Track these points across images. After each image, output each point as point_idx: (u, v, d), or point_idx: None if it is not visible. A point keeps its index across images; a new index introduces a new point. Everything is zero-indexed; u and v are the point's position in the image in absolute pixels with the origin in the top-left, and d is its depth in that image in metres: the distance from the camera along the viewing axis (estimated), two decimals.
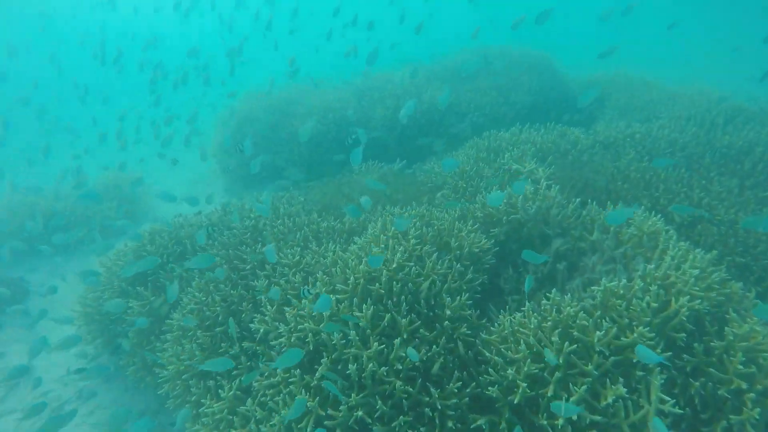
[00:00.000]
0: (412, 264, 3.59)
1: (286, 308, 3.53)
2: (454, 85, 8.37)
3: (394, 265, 3.49)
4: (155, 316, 4.26)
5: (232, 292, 3.86)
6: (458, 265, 3.68)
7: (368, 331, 3.21)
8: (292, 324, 3.40)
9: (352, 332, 3.16)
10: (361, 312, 3.22)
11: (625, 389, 2.61)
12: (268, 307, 3.62)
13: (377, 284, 3.42)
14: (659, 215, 3.83)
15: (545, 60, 9.09)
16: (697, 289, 2.99)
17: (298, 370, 3.17)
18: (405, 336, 3.20)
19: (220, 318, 3.76)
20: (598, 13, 7.86)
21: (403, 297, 3.38)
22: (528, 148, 5.36)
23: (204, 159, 7.83)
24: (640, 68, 9.89)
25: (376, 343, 3.09)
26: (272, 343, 3.49)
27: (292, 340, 3.36)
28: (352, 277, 3.44)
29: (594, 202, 4.26)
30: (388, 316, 3.27)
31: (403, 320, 3.22)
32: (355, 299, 3.39)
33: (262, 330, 3.56)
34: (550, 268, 3.91)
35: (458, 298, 3.39)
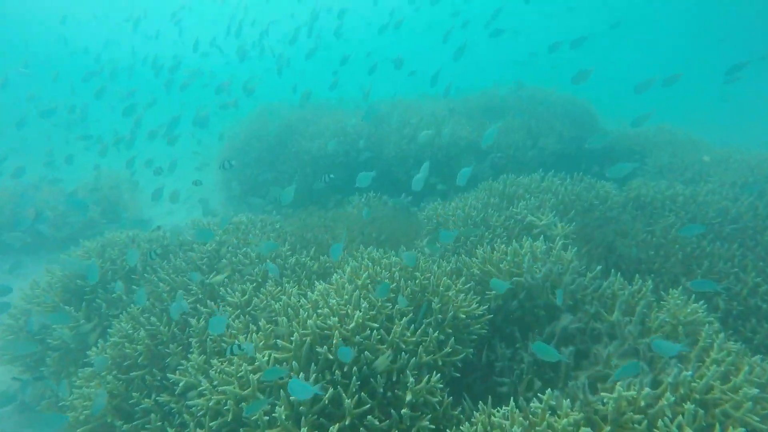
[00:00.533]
0: (376, 326, 2.86)
1: (214, 360, 2.84)
2: (479, 121, 7.73)
3: (352, 325, 2.77)
4: (83, 343, 3.65)
5: (162, 328, 3.21)
6: (437, 334, 2.93)
7: (302, 407, 2.48)
8: (216, 382, 2.71)
9: (280, 408, 2.43)
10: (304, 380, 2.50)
11: None
12: (195, 354, 2.94)
13: (326, 347, 2.70)
14: (702, 302, 2.99)
15: (584, 107, 8.39)
16: (757, 419, 2.15)
17: None
18: (348, 422, 2.45)
19: (140, 359, 3.10)
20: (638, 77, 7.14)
21: (356, 368, 2.64)
22: (548, 198, 4.60)
23: (200, 170, 7.39)
24: (685, 127, 9.04)
25: (305, 429, 2.35)
26: (190, 402, 2.79)
27: (211, 404, 2.66)
28: (297, 333, 2.74)
29: (619, 273, 3.45)
30: (331, 391, 2.54)
31: (350, 400, 2.48)
32: (295, 362, 2.67)
33: (182, 383, 2.87)
34: None
35: (427, 378, 2.63)
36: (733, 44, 35.32)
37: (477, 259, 3.70)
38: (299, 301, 3.08)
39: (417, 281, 3.26)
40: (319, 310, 2.94)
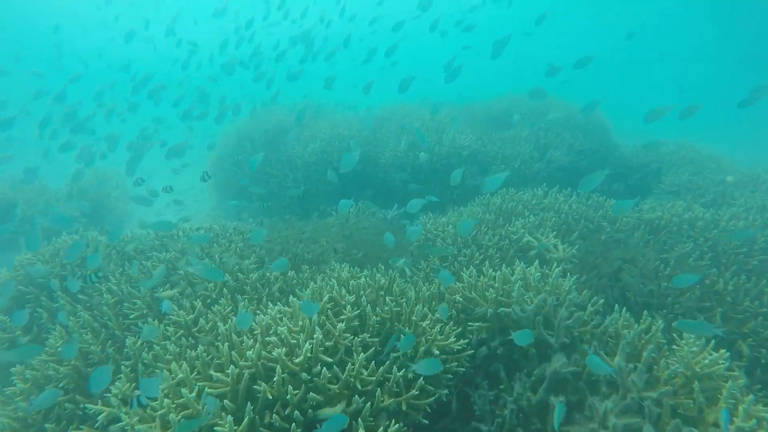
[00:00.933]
0: (330, 360, 2.43)
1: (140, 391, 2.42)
2: (483, 131, 7.29)
3: (300, 358, 2.34)
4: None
5: (93, 348, 2.81)
6: (402, 373, 2.48)
7: None
8: (137, 418, 2.30)
9: None
10: (233, 425, 2.07)
11: None
12: (122, 381, 2.54)
13: (267, 384, 2.27)
14: (725, 350, 2.50)
15: (597, 119, 7.88)
16: None
17: None
18: None
19: (62, 383, 2.71)
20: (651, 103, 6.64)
21: (298, 412, 2.21)
22: (549, 216, 4.13)
23: (178, 172, 7.04)
24: (706, 143, 8.46)
25: None
26: None
27: None
28: (233, 366, 2.32)
29: (624, 308, 2.97)
30: None
31: None
32: (227, 401, 2.25)
33: (102, 416, 2.47)
34: (540, 399, 2.63)
35: (384, 427, 2.19)
36: (754, 63, 34.37)
37: (461, 284, 3.25)
38: (250, 325, 2.66)
39: (387, 308, 2.82)
40: (267, 338, 2.52)
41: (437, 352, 2.66)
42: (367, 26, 10.36)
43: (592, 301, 3.10)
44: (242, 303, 2.98)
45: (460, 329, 2.96)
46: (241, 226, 4.34)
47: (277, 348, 2.42)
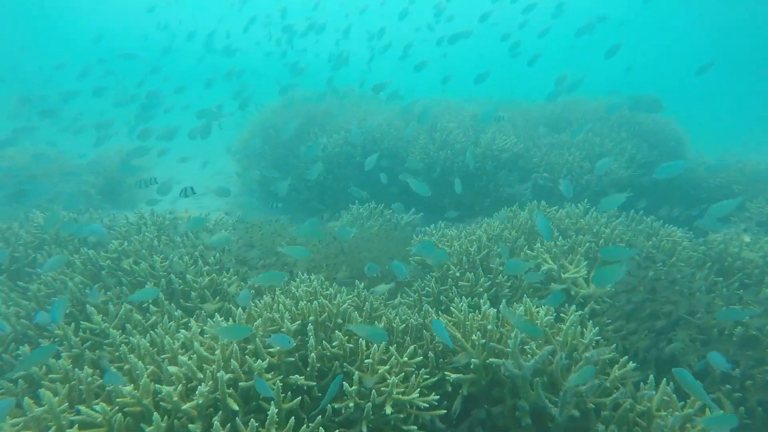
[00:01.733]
0: (236, 409, 1.84)
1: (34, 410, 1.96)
2: (529, 133, 6.40)
3: (187, 405, 1.77)
4: None
5: None
6: None
7: None
8: None
9: None
10: None
11: None
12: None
13: (151, 426, 1.73)
14: None
15: (670, 130, 6.73)
16: None
17: None
18: None
19: None
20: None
21: None
22: (583, 240, 3.30)
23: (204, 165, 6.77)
24: None
25: None
26: None
27: None
28: (102, 404, 1.79)
29: (666, 379, 2.15)
30: None
31: None
32: None
33: None
34: None
35: None
36: None
37: (450, 318, 2.54)
38: (162, 346, 2.13)
39: (338, 342, 2.19)
40: (170, 367, 1.98)
41: (389, 411, 1.99)
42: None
43: (620, 362, 2.29)
44: (174, 314, 2.46)
45: (436, 378, 2.28)
46: (221, 221, 3.86)
47: (173, 384, 1.87)
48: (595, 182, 5.72)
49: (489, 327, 2.34)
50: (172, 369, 1.91)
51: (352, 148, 6.41)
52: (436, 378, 2.29)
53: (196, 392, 1.83)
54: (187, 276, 2.81)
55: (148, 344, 2.08)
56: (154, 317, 2.44)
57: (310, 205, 6.70)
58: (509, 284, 3.06)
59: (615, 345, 2.48)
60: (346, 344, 2.20)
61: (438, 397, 2.16)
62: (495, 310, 2.42)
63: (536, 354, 2.22)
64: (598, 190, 5.70)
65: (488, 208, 5.60)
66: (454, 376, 2.25)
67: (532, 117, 7.01)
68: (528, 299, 2.53)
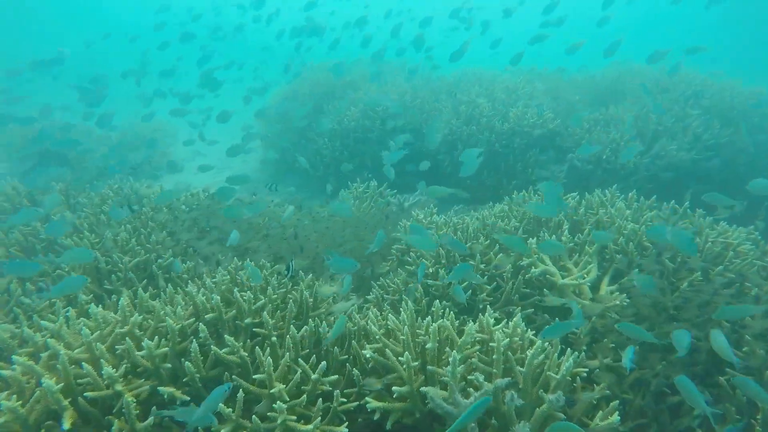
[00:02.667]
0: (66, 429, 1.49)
1: None
2: (569, 107, 5.54)
3: (3, 419, 1.44)
4: None
5: None
6: None
7: None
8: None
9: None
10: None
11: None
12: None
13: None
14: None
15: (754, 102, 5.54)
16: None
17: None
18: None
19: None
20: None
21: None
22: (604, 238, 2.61)
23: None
24: None
25: None
26: None
27: None
28: None
29: None
30: None
31: None
32: None
33: None
34: None
35: None
36: None
37: (379, 327, 2.03)
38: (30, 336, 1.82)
39: (230, 348, 1.77)
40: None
41: None
42: None
43: (607, 408, 1.69)
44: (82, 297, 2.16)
45: (358, 404, 1.80)
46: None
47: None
48: (646, 165, 4.81)
49: (429, 345, 1.81)
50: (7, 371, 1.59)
51: (370, 122, 5.90)
52: (358, 403, 1.81)
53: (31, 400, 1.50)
54: (115, 255, 2.51)
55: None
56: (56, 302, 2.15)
57: (325, 181, 6.32)
58: (491, 287, 2.47)
59: (604, 384, 1.85)
60: (228, 354, 1.77)
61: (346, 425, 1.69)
62: (439, 321, 1.87)
63: (482, 388, 1.67)
64: (648, 174, 4.79)
65: (513, 191, 4.90)
66: (375, 403, 1.75)
67: (579, 89, 6.08)
68: (491, 311, 1.96)
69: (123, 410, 1.50)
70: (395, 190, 4.55)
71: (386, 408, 1.76)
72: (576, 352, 1.84)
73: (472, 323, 1.87)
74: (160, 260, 2.57)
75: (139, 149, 6.78)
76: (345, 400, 1.80)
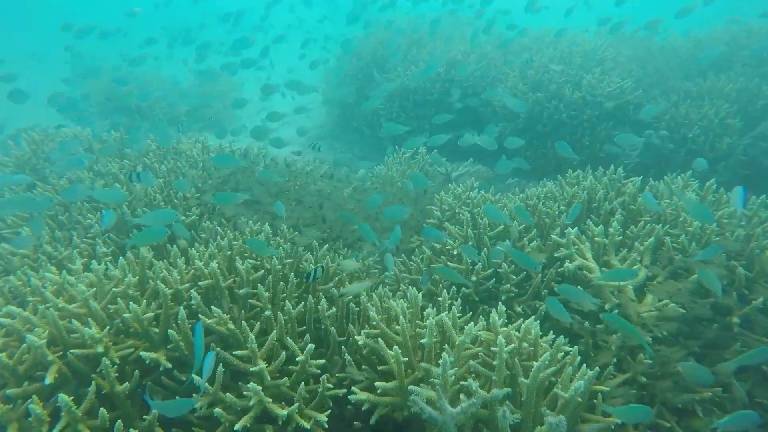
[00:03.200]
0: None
1: None
2: (662, 76, 4.82)
3: None
4: None
5: None
6: None
7: None
8: None
9: None
10: None
11: None
12: None
13: None
14: None
15: None
16: None
17: None
18: None
19: None
20: None
21: None
22: (651, 230, 2.25)
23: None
24: None
25: None
26: None
27: None
28: None
29: None
30: None
31: None
32: None
33: None
34: None
35: None
36: None
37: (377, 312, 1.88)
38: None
39: (215, 319, 1.72)
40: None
41: (242, 425, 1.50)
42: None
43: None
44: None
45: (344, 392, 1.70)
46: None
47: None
48: (745, 147, 4.11)
49: (425, 341, 1.64)
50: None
51: (431, 85, 5.58)
52: (348, 391, 1.71)
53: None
54: (139, 209, 2.56)
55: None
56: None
57: (383, 145, 6.15)
58: (518, 278, 2.22)
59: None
60: (229, 324, 1.72)
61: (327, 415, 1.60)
62: (443, 314, 1.69)
63: (476, 395, 1.49)
64: (746, 159, 4.10)
65: (577, 168, 4.43)
66: (360, 395, 1.64)
67: (674, 55, 5.26)
68: (503, 307, 1.74)
69: (102, 371, 1.51)
70: (445, 158, 4.27)
71: (372, 401, 1.65)
72: (598, 368, 1.59)
73: (473, 324, 1.66)
74: (183, 218, 2.59)
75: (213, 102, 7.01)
76: (331, 386, 1.70)
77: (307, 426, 1.57)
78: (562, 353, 1.65)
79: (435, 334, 1.66)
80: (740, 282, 2.08)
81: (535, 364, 1.52)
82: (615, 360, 1.87)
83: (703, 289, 2.01)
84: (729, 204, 2.44)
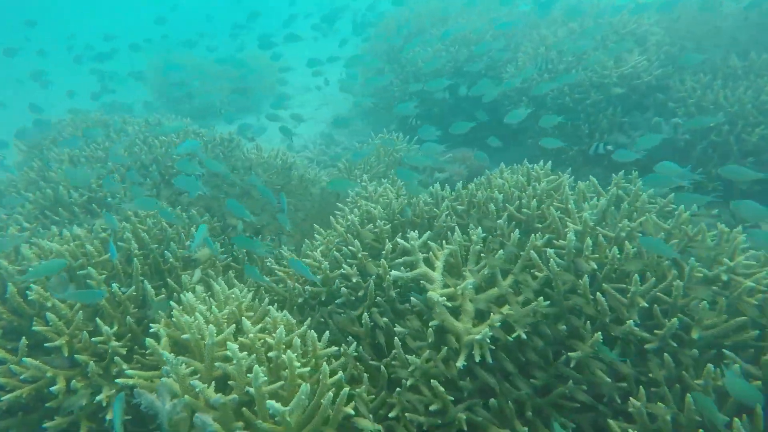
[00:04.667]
0: None
1: None
2: (698, 52, 3.99)
3: None
4: None
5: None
6: None
7: None
8: None
9: None
10: None
11: None
12: None
13: None
14: None
15: None
16: None
17: None
18: None
19: None
20: None
21: None
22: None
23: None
24: None
25: None
26: None
27: None
28: None
29: None
30: None
31: None
32: None
33: None
34: None
35: None
36: None
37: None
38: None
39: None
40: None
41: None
42: None
43: None
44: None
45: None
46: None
47: None
48: None
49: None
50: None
51: (441, 65, 5.29)
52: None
53: None
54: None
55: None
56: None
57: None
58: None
59: None
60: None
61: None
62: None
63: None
64: None
65: (573, 158, 3.95)
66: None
67: (719, 29, 4.27)
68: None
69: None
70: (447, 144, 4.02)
71: None
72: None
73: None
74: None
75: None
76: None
77: None
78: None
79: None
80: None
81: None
82: None
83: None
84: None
